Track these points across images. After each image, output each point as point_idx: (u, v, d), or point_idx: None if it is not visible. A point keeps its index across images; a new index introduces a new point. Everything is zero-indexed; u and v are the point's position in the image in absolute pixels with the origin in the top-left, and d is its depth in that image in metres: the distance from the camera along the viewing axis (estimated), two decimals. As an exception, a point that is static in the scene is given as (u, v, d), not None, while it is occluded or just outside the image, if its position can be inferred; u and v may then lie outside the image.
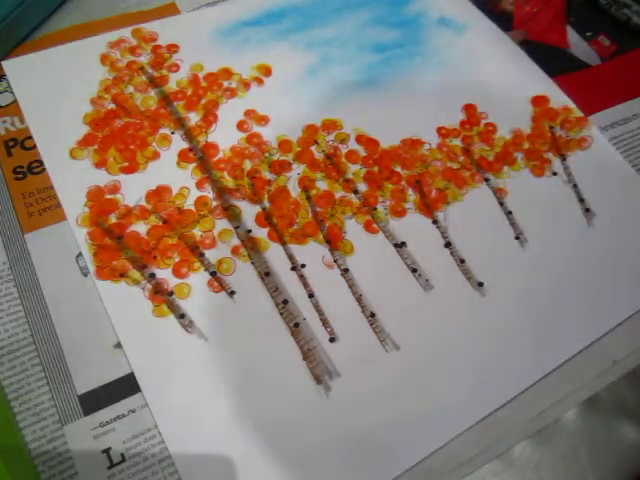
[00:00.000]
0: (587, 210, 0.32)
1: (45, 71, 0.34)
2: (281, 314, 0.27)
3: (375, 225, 0.30)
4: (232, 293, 0.28)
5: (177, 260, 0.28)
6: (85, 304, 0.27)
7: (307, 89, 0.35)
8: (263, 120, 0.34)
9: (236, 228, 0.30)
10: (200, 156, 0.32)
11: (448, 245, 0.30)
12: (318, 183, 0.31)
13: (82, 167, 0.31)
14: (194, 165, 0.31)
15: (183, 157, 0.32)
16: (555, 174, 0.33)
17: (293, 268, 0.29)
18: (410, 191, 0.32)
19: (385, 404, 0.26)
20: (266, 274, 0.28)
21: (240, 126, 0.33)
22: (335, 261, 0.29)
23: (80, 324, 0.26)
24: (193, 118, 0.33)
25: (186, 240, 0.29)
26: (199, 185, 0.31)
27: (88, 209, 0.29)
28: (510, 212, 0.31)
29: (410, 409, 0.26)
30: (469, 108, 0.35)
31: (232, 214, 0.30)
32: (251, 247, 0.29)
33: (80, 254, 0.28)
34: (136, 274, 0.28)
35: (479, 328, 0.28)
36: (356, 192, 0.31)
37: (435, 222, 0.31)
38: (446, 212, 0.31)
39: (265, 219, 0.30)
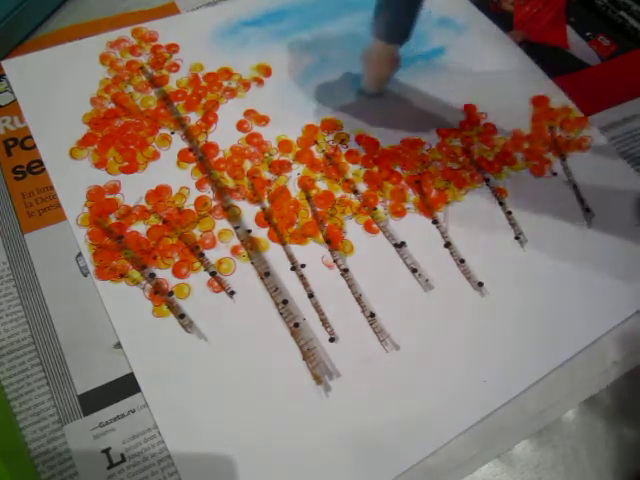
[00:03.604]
0: (587, 210, 0.32)
1: (45, 71, 0.34)
2: (281, 314, 0.27)
3: (375, 225, 0.30)
4: (232, 293, 0.28)
5: (177, 260, 0.28)
6: (85, 304, 0.27)
7: (307, 89, 0.35)
8: (263, 120, 0.34)
9: (236, 228, 0.30)
10: (200, 156, 0.32)
11: (448, 245, 0.30)
12: (318, 183, 0.31)
13: (82, 167, 0.31)
14: (194, 165, 0.31)
15: (183, 157, 0.32)
16: (555, 174, 0.33)
17: (293, 268, 0.29)
18: (410, 191, 0.32)
19: (385, 404, 0.26)
20: (266, 274, 0.28)
21: (240, 126, 0.33)
22: (335, 261, 0.29)
23: (80, 324, 0.26)
24: (193, 118, 0.33)
25: (186, 240, 0.29)
26: (199, 185, 0.31)
27: (88, 209, 0.29)
28: (510, 212, 0.31)
29: (410, 409, 0.26)
30: (469, 108, 0.35)
31: (232, 214, 0.30)
32: (251, 247, 0.29)
33: (80, 254, 0.28)
34: (136, 274, 0.28)
35: (479, 328, 0.28)
36: (356, 192, 0.31)
37: (435, 222, 0.31)
38: (446, 212, 0.31)
39: (265, 219, 0.30)
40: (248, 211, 0.30)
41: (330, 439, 0.25)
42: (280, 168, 0.32)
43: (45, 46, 0.35)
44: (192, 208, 0.30)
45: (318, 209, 0.31)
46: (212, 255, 0.29)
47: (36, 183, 0.30)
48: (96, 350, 0.26)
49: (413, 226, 0.30)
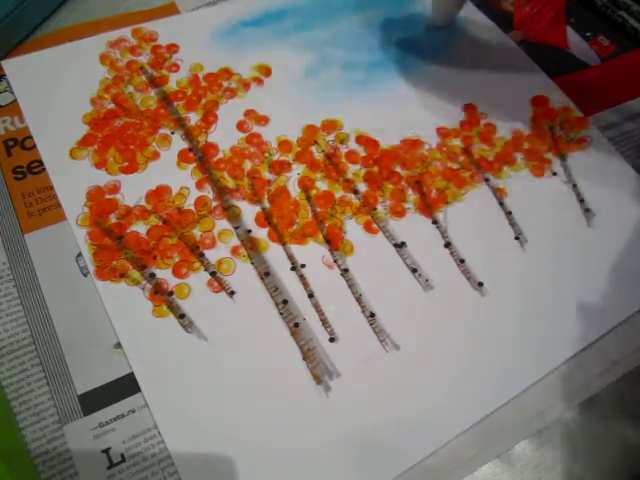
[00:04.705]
0: (587, 210, 0.32)
1: (45, 71, 0.34)
2: (281, 314, 0.27)
3: (375, 225, 0.30)
4: (232, 293, 0.28)
5: (177, 260, 0.28)
6: (85, 304, 0.27)
7: (307, 89, 0.35)
8: (263, 120, 0.34)
9: (236, 228, 0.30)
10: (200, 156, 0.32)
11: (448, 245, 0.30)
12: (318, 183, 0.31)
13: (82, 167, 0.31)
14: (194, 165, 0.31)
15: (183, 157, 0.32)
16: (555, 174, 0.33)
17: (293, 268, 0.29)
18: (410, 191, 0.32)
19: (385, 404, 0.26)
20: (266, 274, 0.28)
21: (240, 126, 0.33)
22: (335, 261, 0.29)
23: (80, 324, 0.26)
24: (193, 118, 0.33)
25: (186, 240, 0.29)
26: (199, 185, 0.31)
27: (88, 209, 0.29)
28: (510, 212, 0.31)
29: (410, 409, 0.26)
30: (469, 108, 0.35)
31: (232, 214, 0.30)
32: (251, 247, 0.29)
33: (80, 254, 0.28)
34: (136, 274, 0.28)
35: (479, 328, 0.28)
36: (356, 192, 0.31)
37: (435, 222, 0.31)
38: (446, 212, 0.31)
39: (265, 219, 0.30)
40: (248, 211, 0.30)
41: (330, 439, 0.25)
42: (280, 168, 0.32)
43: (45, 46, 0.35)
44: (192, 208, 0.30)
45: (318, 209, 0.31)
46: (212, 255, 0.29)
47: (36, 183, 0.30)
48: (96, 350, 0.26)
49: (413, 226, 0.30)
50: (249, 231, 0.30)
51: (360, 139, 0.33)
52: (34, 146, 0.31)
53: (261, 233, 0.30)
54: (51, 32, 0.36)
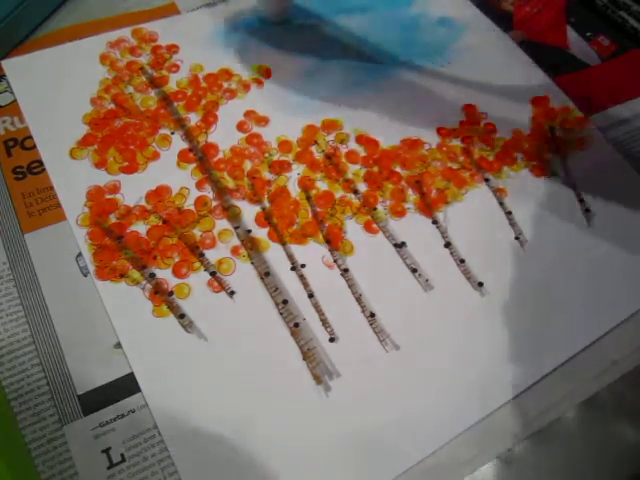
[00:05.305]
0: (587, 210, 0.32)
1: (45, 71, 0.34)
2: (281, 314, 0.27)
3: (375, 225, 0.30)
4: (232, 293, 0.28)
5: (177, 260, 0.28)
6: (85, 304, 0.27)
7: (307, 89, 0.35)
8: (263, 121, 0.34)
9: (236, 228, 0.30)
10: (200, 156, 0.32)
11: (448, 245, 0.30)
12: (318, 183, 0.31)
13: (82, 167, 0.31)
14: (194, 165, 0.31)
15: (183, 157, 0.32)
16: (555, 174, 0.33)
17: (293, 268, 0.29)
18: (410, 191, 0.32)
19: (385, 404, 0.26)
20: (266, 274, 0.28)
21: (240, 127, 0.33)
22: (335, 261, 0.29)
23: (80, 324, 0.26)
24: (193, 118, 0.33)
25: (186, 240, 0.29)
26: (199, 185, 0.31)
27: (88, 209, 0.29)
28: (510, 212, 0.31)
29: (410, 409, 0.26)
30: (469, 108, 0.35)
31: (232, 214, 0.30)
32: (251, 247, 0.29)
33: (80, 254, 0.28)
34: (136, 274, 0.28)
35: (479, 328, 0.28)
36: (356, 192, 0.31)
37: (435, 222, 0.31)
38: (446, 212, 0.31)
39: (265, 219, 0.30)
40: (248, 211, 0.30)
41: (330, 439, 0.25)
42: (280, 168, 0.32)
43: (45, 46, 0.35)
44: (192, 208, 0.30)
45: (318, 209, 0.31)
46: (212, 255, 0.29)
47: (36, 183, 0.30)
48: (96, 350, 0.26)
49: (413, 226, 0.30)
50: (249, 231, 0.30)
51: (360, 139, 0.33)
52: (34, 146, 0.31)
53: (261, 233, 0.30)
54: (51, 32, 0.36)
